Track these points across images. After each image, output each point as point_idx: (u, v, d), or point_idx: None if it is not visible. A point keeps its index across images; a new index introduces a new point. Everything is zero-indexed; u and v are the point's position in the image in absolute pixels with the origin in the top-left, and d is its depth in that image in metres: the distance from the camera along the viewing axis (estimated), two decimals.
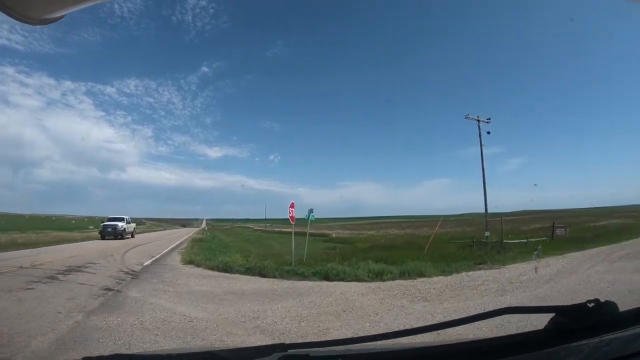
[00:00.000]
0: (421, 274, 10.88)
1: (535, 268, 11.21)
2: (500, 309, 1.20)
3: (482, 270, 11.93)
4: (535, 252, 14.05)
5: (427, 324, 1.30)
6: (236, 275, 11.33)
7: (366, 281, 10.06)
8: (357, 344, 1.33)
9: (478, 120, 21.96)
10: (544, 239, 22.02)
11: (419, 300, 7.80)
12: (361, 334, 5.19)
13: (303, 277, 10.65)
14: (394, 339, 1.25)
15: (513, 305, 2.65)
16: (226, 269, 12.34)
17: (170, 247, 24.33)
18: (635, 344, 1.04)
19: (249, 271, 11.66)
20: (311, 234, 51.93)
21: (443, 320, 1.73)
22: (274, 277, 10.85)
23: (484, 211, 21.46)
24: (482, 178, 21.18)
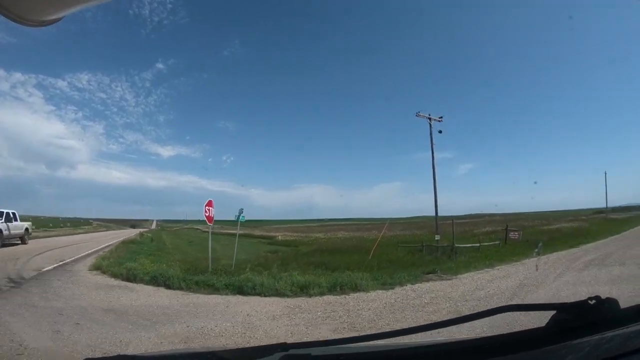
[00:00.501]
0: (356, 288, 9.18)
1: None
2: (501, 306, 1.23)
3: (430, 282, 10.18)
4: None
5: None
6: (138, 286, 9.83)
7: (288, 296, 8.59)
8: (357, 343, 1.39)
9: (429, 118, 21.35)
10: (497, 242, 21.08)
11: (344, 329, 6.21)
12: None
13: (214, 289, 9.16)
14: (395, 338, 1.31)
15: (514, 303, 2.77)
16: (130, 277, 10.77)
17: (94, 249, 22.03)
18: (636, 341, 1.03)
19: (153, 280, 10.11)
20: (257, 236, 49.12)
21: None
22: (180, 288, 9.37)
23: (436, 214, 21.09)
24: (434, 180, 20.90)
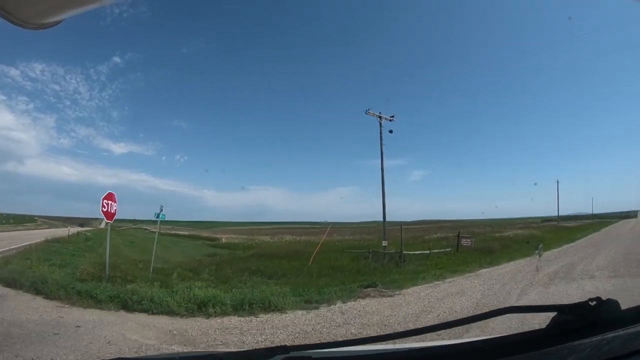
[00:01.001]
0: (270, 307, 7.40)
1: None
2: (502, 308, 1.23)
3: (368, 299, 8.49)
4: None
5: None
6: (14, 293, 8.33)
7: (181, 316, 7.04)
8: (358, 346, 1.44)
9: (379, 117, 20.55)
10: (448, 249, 19.93)
11: None
12: None
13: (96, 302, 7.65)
14: (395, 340, 1.38)
15: (515, 305, 2.99)
16: (11, 282, 9.10)
17: (6, 248, 19.04)
18: (637, 342, 1.01)
19: (33, 287, 8.48)
20: (201, 238, 46.83)
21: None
22: (59, 298, 7.88)
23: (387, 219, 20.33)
24: (384, 184, 20.28)
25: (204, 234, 49.65)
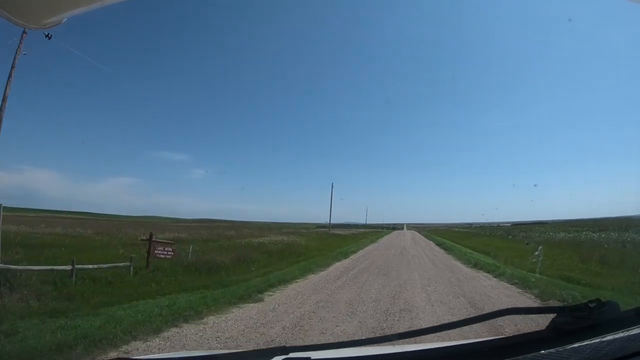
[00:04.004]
0: None
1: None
2: (502, 309, 1.25)
3: None
4: (536, 253, 12.52)
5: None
6: None
7: None
8: (358, 347, 1.42)
9: None
10: (127, 264, 11.45)
11: None
12: None
13: None
14: (394, 342, 1.42)
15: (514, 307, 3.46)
16: None
17: None
18: (636, 344, 1.02)
19: None
20: None
21: None
22: None
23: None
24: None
25: None
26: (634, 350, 1.00)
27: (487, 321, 1.31)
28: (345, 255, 20.90)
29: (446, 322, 1.31)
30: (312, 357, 1.15)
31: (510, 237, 41.32)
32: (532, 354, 1.04)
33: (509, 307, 6.09)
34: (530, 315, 5.09)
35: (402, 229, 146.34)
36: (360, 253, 23.55)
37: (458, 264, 18.33)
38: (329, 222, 53.99)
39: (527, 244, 25.08)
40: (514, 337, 1.16)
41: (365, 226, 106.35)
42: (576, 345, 1.04)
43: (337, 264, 17.36)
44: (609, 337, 1.06)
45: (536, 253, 12.41)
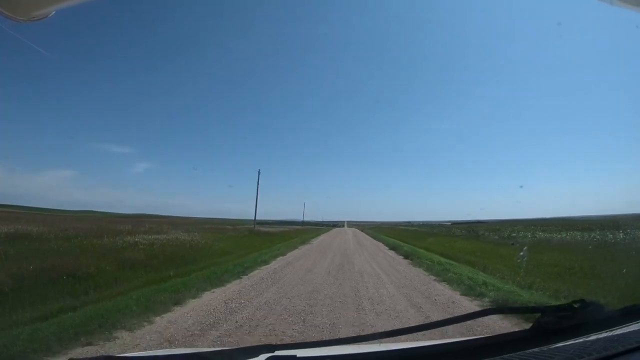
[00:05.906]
0: None
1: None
2: (488, 309, 1.46)
3: None
4: (521, 253, 11.74)
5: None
6: None
7: None
8: (344, 345, 1.45)
9: None
10: None
11: None
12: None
13: None
14: (381, 340, 1.34)
15: (499, 307, 3.42)
16: None
17: None
18: (620, 343, 1.04)
19: None
20: None
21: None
22: None
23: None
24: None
25: None
26: (617, 350, 1.02)
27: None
28: (245, 271, 11.50)
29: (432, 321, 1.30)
30: (297, 355, 1.16)
31: (479, 236, 33.21)
32: (517, 353, 1.05)
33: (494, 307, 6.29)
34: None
35: (343, 226, 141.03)
36: (272, 265, 13.80)
37: (457, 296, 8.34)
38: (254, 218, 45.34)
39: (513, 244, 22.04)
40: (499, 335, 1.19)
41: (303, 223, 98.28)
42: (560, 344, 1.07)
43: (194, 301, 7.58)
44: (593, 337, 1.09)
45: (521, 254, 11.49)
